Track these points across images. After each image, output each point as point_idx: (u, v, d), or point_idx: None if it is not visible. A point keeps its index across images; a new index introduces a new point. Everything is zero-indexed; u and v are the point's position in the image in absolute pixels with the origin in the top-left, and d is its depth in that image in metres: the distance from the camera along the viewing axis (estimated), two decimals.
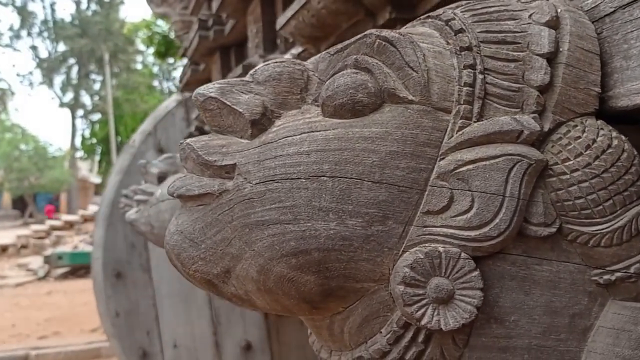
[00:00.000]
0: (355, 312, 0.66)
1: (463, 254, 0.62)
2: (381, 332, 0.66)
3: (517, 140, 0.64)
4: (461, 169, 0.63)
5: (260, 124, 0.69)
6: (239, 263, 0.66)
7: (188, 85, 4.50)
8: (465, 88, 0.65)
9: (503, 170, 0.62)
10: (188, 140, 0.71)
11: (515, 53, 0.67)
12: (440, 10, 0.74)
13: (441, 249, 0.62)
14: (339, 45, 0.72)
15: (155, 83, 29.50)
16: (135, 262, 5.60)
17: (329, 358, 0.73)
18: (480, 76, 0.66)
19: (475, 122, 0.65)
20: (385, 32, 0.68)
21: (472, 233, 0.62)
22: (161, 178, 1.68)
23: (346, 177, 0.63)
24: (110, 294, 5.57)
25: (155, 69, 29.11)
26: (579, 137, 0.64)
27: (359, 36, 0.70)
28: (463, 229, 0.62)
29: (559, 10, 0.69)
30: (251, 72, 0.74)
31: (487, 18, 0.69)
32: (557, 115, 0.66)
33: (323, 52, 0.74)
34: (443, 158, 0.64)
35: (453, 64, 0.67)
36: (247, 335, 5.82)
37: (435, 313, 0.61)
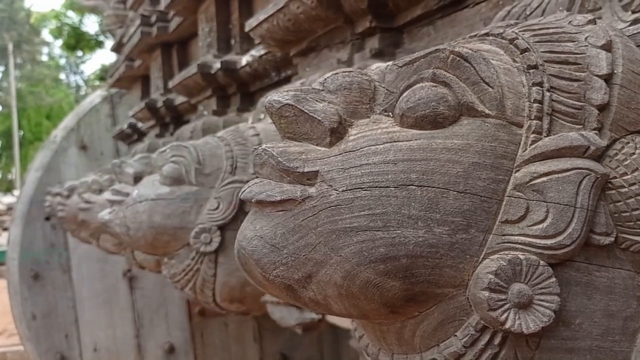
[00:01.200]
0: (431, 316, 0.69)
1: (542, 262, 0.65)
2: (456, 335, 0.68)
3: (584, 155, 0.68)
4: (536, 181, 0.67)
5: (337, 132, 0.70)
6: (323, 268, 0.66)
7: (120, 81, 4.36)
8: (535, 104, 0.69)
9: (574, 182, 0.67)
10: (265, 146, 0.71)
11: (577, 73, 0.71)
12: (498, 29, 0.77)
13: (522, 257, 0.65)
14: (407, 59, 0.74)
15: (62, 76, 28.28)
16: (54, 262, 5.36)
17: None
18: (547, 94, 0.70)
19: (545, 136, 0.69)
20: (459, 48, 0.70)
21: (548, 242, 0.66)
22: (137, 178, 1.63)
23: (433, 187, 0.65)
24: (26, 295, 5.30)
25: (63, 62, 27.91)
26: (634, 154, 0.70)
27: (429, 50, 0.73)
28: (539, 238, 0.66)
29: (610, 35, 0.75)
30: (320, 80, 0.75)
31: (548, 39, 0.73)
32: (612, 133, 0.71)
33: (389, 64, 0.76)
34: (518, 170, 0.68)
35: (522, 81, 0.70)
36: (170, 338, 5.70)
37: (517, 317, 0.64)
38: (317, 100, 0.72)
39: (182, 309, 5.74)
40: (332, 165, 0.68)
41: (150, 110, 3.40)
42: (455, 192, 0.65)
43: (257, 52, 2.32)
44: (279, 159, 0.69)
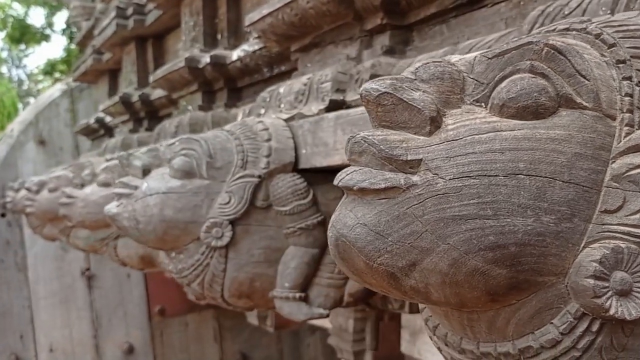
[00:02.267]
0: (529, 304, 0.69)
1: None
2: (552, 322, 0.69)
3: None
4: (631, 172, 0.68)
5: (436, 121, 0.70)
6: (428, 256, 0.66)
7: (86, 75, 4.24)
8: (626, 98, 0.71)
9: None
10: (364, 134, 0.71)
11: None
12: (578, 24, 0.79)
13: (623, 246, 0.66)
14: (496, 50, 0.75)
15: (4, 69, 27.25)
16: (9, 260, 5.16)
17: (475, 350, 0.76)
18: (637, 88, 0.71)
19: (637, 129, 0.70)
20: (553, 41, 0.71)
21: None
22: (145, 171, 1.59)
23: (541, 176, 0.66)
24: None
25: (4, 54, 26.89)
26: None
27: (520, 42, 0.73)
28: (637, 227, 0.67)
29: None
30: (411, 70, 0.74)
31: (631, 35, 0.75)
32: None
33: (476, 55, 0.76)
34: (614, 161, 0.69)
35: (612, 75, 0.72)
36: (129, 338, 5.57)
37: (619, 304, 0.66)
38: (412, 89, 0.71)
39: (141, 309, 5.63)
40: (436, 154, 0.68)
41: (124, 104, 3.31)
42: (560, 182, 0.66)
43: (249, 47, 2.29)
44: (381, 146, 0.69)
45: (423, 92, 0.72)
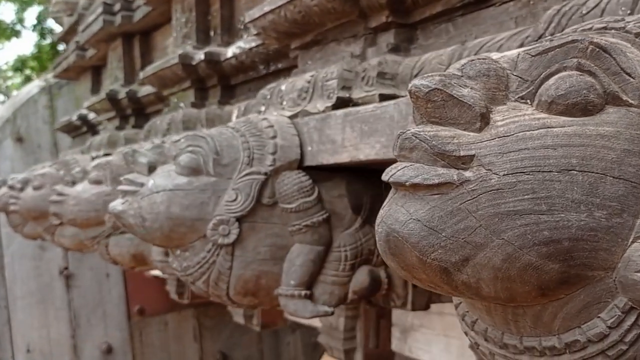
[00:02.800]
0: (577, 298, 0.70)
1: None
2: (600, 316, 0.70)
3: None
4: None
5: (486, 117, 0.71)
6: (482, 251, 0.66)
7: (67, 71, 4.17)
8: None
9: None
10: (415, 130, 0.71)
11: None
12: (616, 23, 0.80)
13: None
14: (540, 48, 0.76)
15: None
16: None
17: (518, 344, 0.76)
18: None
19: None
20: (597, 39, 0.72)
21: None
22: (151, 168, 1.57)
23: (592, 172, 0.67)
24: None
25: None
26: None
27: (564, 40, 0.74)
28: None
29: None
30: (457, 67, 0.75)
31: None
32: None
33: (519, 52, 0.77)
34: None
35: None
36: (108, 338, 5.50)
37: None
38: (461, 86, 0.72)
39: (120, 308, 5.57)
40: (489, 150, 0.68)
41: (111, 101, 3.26)
42: (611, 178, 0.67)
43: (245, 44, 2.28)
44: (433, 142, 0.69)
45: (471, 88, 0.72)
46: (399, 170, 0.71)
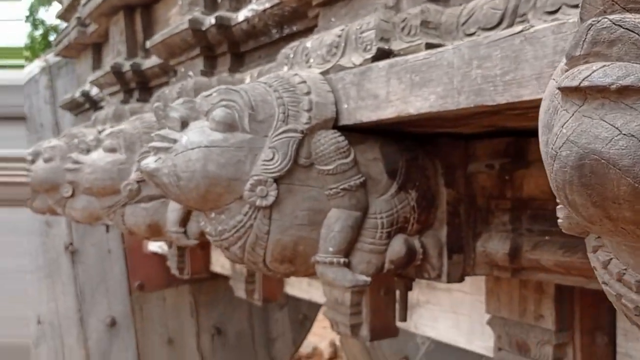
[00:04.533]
0: None
1: None
2: None
3: None
4: None
5: None
6: None
7: (69, 49, 3.83)
8: None
9: None
10: (615, 17, 0.44)
11: None
12: None
13: None
14: None
15: None
16: None
17: None
18: None
19: None
20: None
21: None
22: (184, 123, 1.30)
23: None
24: None
25: None
26: None
27: None
28: None
29: None
30: None
31: None
32: None
33: None
34: None
35: None
36: (111, 312, 5.25)
37: None
38: None
39: (122, 284, 5.32)
40: None
41: (115, 74, 2.95)
42: None
43: (258, 5, 1.99)
44: None
45: None
46: (595, 72, 0.44)
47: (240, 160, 1.27)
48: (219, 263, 3.70)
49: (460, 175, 1.56)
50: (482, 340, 2.30)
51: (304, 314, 6.05)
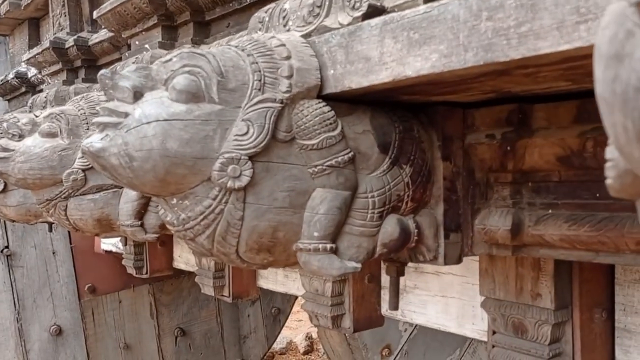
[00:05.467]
0: None
1: None
2: None
3: None
4: None
5: None
6: None
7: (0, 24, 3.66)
8: None
9: None
10: None
11: None
12: None
13: None
14: None
15: None
16: None
17: None
18: None
19: None
20: None
21: None
22: (137, 94, 1.21)
23: None
24: None
25: None
26: None
27: None
28: None
29: None
30: None
31: None
32: None
33: None
34: None
35: None
36: (57, 319, 5.11)
37: None
38: None
39: (69, 288, 5.19)
40: None
41: (56, 51, 2.83)
42: None
43: None
44: None
45: None
46: None
47: (207, 136, 1.19)
48: (183, 259, 3.62)
49: (458, 147, 1.53)
50: (473, 324, 2.31)
51: (277, 308, 6.04)
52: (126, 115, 1.19)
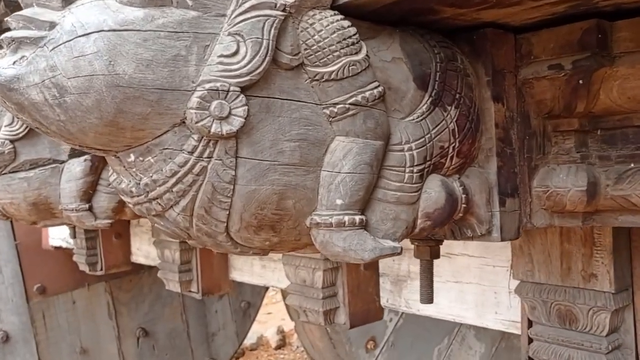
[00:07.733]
0: None
1: None
2: None
3: None
4: None
5: None
6: None
7: None
8: None
9: None
10: None
11: None
12: None
13: None
14: None
15: None
16: None
17: None
18: None
19: None
20: None
21: None
22: None
23: None
24: None
25: None
26: None
27: None
28: None
29: None
30: None
31: None
32: None
33: None
34: None
35: None
36: (3, 325, 4.77)
37: None
38: None
39: (16, 289, 4.86)
40: None
41: None
42: None
43: None
44: None
45: None
46: None
47: (178, 55, 0.80)
48: (142, 252, 3.25)
49: (511, 84, 1.16)
50: (497, 313, 1.97)
51: (247, 302, 5.78)
52: (52, 25, 0.78)
